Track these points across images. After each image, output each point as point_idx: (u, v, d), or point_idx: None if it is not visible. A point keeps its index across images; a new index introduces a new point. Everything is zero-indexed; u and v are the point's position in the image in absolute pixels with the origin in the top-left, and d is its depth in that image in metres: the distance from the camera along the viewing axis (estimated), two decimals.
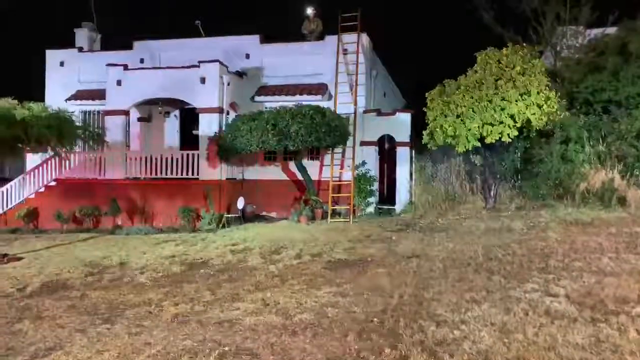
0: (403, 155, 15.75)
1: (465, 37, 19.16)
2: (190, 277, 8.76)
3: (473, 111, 12.63)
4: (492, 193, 13.92)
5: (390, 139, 16.37)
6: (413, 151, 15.77)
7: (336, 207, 15.09)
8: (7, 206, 16.48)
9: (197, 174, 15.22)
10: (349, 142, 15.49)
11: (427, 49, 28.07)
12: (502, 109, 12.39)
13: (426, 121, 13.69)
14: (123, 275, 9.03)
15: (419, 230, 12.05)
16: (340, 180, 15.61)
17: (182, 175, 15.32)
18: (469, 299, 6.64)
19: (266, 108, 15.55)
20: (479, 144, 12.91)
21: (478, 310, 6.17)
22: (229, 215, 14.67)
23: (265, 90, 16.51)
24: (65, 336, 6.04)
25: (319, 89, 16.07)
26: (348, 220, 14.28)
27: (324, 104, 15.35)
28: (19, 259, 11.03)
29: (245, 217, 15.13)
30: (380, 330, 5.80)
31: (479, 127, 12.54)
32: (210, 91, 15.09)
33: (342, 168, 15.77)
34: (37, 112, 10.45)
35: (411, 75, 22.37)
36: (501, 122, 12.44)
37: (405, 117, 15.86)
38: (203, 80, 15.07)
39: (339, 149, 15.64)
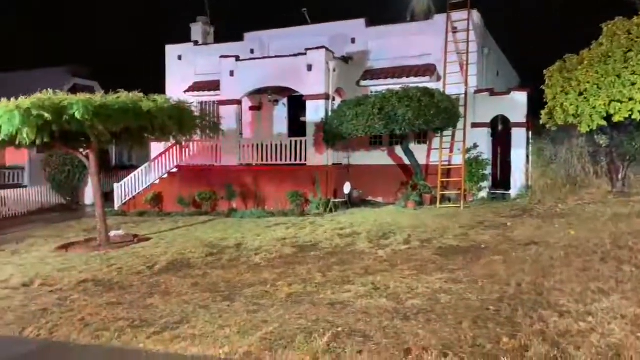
0: (518, 136, 14.92)
1: (587, 7, 17.61)
2: (302, 259, 9.00)
3: (598, 87, 11.62)
4: (619, 176, 12.77)
5: (505, 119, 15.56)
6: (530, 132, 14.87)
7: (445, 192, 14.69)
8: (135, 191, 17.98)
9: (305, 160, 15.54)
10: (460, 125, 14.95)
11: (544, 23, 26.20)
12: (633, 84, 11.28)
13: (544, 100, 12.83)
14: (240, 256, 9.50)
15: (537, 216, 11.37)
16: (449, 164, 15.15)
17: (290, 161, 15.73)
18: (596, 289, 6.16)
19: (372, 92, 15.45)
20: (604, 123, 11.88)
21: (606, 301, 5.71)
22: (336, 200, 14.86)
23: (371, 74, 16.41)
24: (190, 311, 6.48)
25: (427, 70, 15.64)
26: (459, 205, 13.85)
27: (432, 85, 14.95)
28: (148, 239, 12.02)
29: (351, 202, 15.24)
30: (497, 319, 5.57)
31: (605, 104, 11.53)
32: (317, 78, 15.28)
33: (451, 151, 15.28)
34: (161, 104, 11.21)
35: (527, 51, 21.04)
36: (631, 99, 11.34)
37: (521, 96, 14.98)
38: (310, 68, 15.29)
39: (448, 132, 15.16)
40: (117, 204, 17.82)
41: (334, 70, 15.47)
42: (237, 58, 16.55)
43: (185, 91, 18.21)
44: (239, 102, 16.81)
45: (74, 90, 15.76)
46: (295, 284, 7.42)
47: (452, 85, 15.20)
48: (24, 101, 9.65)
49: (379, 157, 16.46)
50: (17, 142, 10.17)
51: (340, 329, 5.55)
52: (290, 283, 7.46)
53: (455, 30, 15.62)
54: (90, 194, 20.45)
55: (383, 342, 5.16)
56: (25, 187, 20.30)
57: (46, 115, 9.41)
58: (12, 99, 9.93)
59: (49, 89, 10.46)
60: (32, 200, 19.78)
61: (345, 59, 16.49)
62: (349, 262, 8.53)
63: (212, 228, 13.11)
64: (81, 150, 12.15)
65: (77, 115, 9.59)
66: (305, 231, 11.61)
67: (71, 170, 20.12)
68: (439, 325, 5.52)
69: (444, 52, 15.46)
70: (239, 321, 5.98)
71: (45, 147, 12.91)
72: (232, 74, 16.47)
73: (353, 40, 16.79)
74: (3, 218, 16.57)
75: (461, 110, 14.99)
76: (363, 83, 16.37)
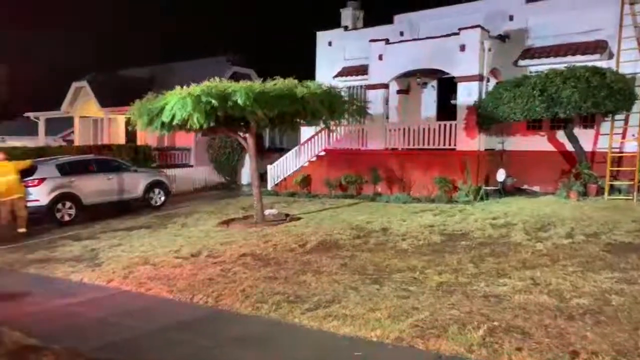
0: None
1: None
2: (451, 248, 8.73)
3: None
4: None
5: None
6: None
7: (615, 182, 13.19)
8: (286, 173, 18.89)
9: (454, 145, 15.00)
10: (635, 107, 13.25)
11: None
12: None
13: None
14: (386, 241, 9.50)
15: None
16: (621, 152, 13.55)
17: (438, 145, 15.29)
18: None
19: (531, 72, 14.30)
20: None
21: None
22: (487, 188, 14.15)
23: (530, 52, 15.20)
24: (341, 291, 6.63)
25: (596, 47, 14.06)
26: (631, 197, 12.36)
27: (603, 64, 13.37)
28: (298, 219, 12.54)
29: (505, 191, 14.40)
30: None
31: None
32: (470, 58, 14.56)
33: (624, 137, 13.63)
34: (313, 90, 11.56)
35: None
36: None
37: None
38: (462, 48, 14.63)
39: (620, 116, 13.52)
40: (269, 185, 18.86)
41: (489, 50, 14.61)
42: (387, 41, 16.41)
43: (334, 76, 18.56)
44: (386, 86, 16.72)
45: (233, 77, 16.99)
46: (445, 273, 7.22)
47: (627, 64, 13.49)
48: (195, 89, 10.56)
49: (537, 143, 15.26)
50: (188, 126, 11.17)
51: (496, 324, 5.28)
52: (440, 272, 7.27)
53: (633, 1, 13.81)
54: (246, 174, 22.02)
55: (545, 342, 4.81)
56: (191, 166, 22.46)
57: (213, 101, 10.21)
58: (185, 87, 10.91)
59: (215, 77, 11.33)
60: (197, 178, 21.86)
61: (502, 38, 15.50)
62: (504, 254, 8.08)
63: (358, 211, 13.28)
64: (240, 133, 13.01)
65: (240, 102, 10.25)
66: (454, 219, 11.23)
67: (230, 152, 21.79)
68: (611, 329, 5.00)
69: (618, 26, 13.76)
70: (389, 305, 5.97)
71: (210, 131, 14.03)
72: (380, 57, 16.40)
73: (511, 18, 15.69)
74: (173, 194, 18.43)
75: (638, 91, 13.27)
76: (521, 63, 15.23)
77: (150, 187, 16.15)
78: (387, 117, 17.30)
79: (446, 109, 16.73)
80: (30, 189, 12.97)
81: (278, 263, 8.25)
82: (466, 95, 14.73)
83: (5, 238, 11.52)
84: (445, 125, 15.19)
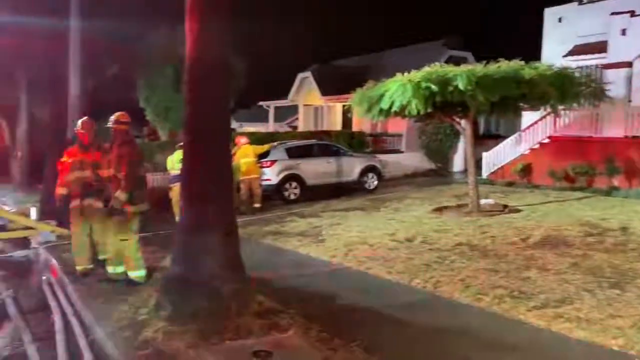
0: None
1: None
2: None
3: None
4: None
5: None
6: None
7: None
8: (503, 161, 17.90)
9: None
10: None
11: None
12: None
13: None
14: (627, 241, 8.35)
15: None
16: None
17: None
18: None
19: None
20: None
21: None
22: None
23: None
24: (572, 292, 6.04)
25: None
26: None
27: None
28: (518, 210, 11.78)
29: None
30: None
31: None
32: None
33: None
34: (542, 71, 10.65)
35: None
36: None
37: None
38: None
39: None
40: (484, 173, 18.12)
41: None
42: (632, 13, 14.30)
43: (564, 55, 16.84)
44: (629, 65, 14.62)
45: (449, 61, 16.57)
46: None
47: None
48: (415, 75, 10.58)
49: None
50: (405, 113, 11.28)
51: None
52: None
53: None
54: (458, 161, 21.52)
55: None
56: (402, 152, 22.74)
57: (433, 87, 10.11)
58: (404, 74, 11.02)
59: (435, 63, 11.20)
60: (407, 164, 22.04)
61: None
62: None
63: (589, 205, 11.96)
64: (456, 119, 12.68)
65: (460, 86, 9.95)
66: None
67: (443, 138, 21.47)
68: None
69: None
70: (634, 314, 5.26)
71: (425, 117, 13.98)
72: (623, 32, 14.43)
73: None
74: (385, 179, 18.88)
75: None
76: None
77: (364, 171, 16.77)
78: (630, 100, 15.11)
79: None
80: (264, 170, 14.57)
81: (497, 256, 7.87)
82: None
83: (244, 212, 13.17)
84: None
